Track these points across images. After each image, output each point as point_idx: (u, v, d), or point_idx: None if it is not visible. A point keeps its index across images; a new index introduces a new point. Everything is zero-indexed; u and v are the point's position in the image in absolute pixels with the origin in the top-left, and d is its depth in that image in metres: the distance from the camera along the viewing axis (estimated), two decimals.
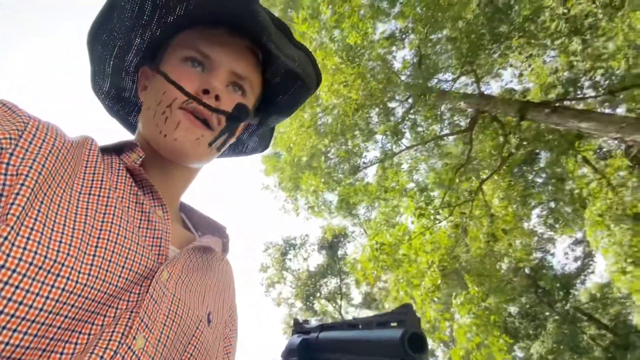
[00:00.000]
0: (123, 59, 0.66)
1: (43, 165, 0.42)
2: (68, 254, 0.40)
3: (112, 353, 0.39)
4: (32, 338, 0.36)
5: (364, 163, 6.64)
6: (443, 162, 6.84)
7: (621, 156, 5.41)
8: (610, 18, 6.20)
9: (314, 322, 0.56)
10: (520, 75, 7.91)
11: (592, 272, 10.86)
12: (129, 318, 0.43)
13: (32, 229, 0.38)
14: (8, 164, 0.40)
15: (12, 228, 0.37)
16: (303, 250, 15.99)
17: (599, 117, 4.74)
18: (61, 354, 0.38)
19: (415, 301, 5.45)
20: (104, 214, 0.47)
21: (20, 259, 0.36)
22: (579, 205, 6.48)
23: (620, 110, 6.61)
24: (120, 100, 0.74)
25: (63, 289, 0.38)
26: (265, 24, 0.60)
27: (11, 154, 0.41)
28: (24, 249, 0.37)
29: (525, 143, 6.62)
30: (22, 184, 0.39)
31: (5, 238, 0.36)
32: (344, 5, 6.43)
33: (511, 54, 6.95)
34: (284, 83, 0.70)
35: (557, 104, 5.19)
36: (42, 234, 0.39)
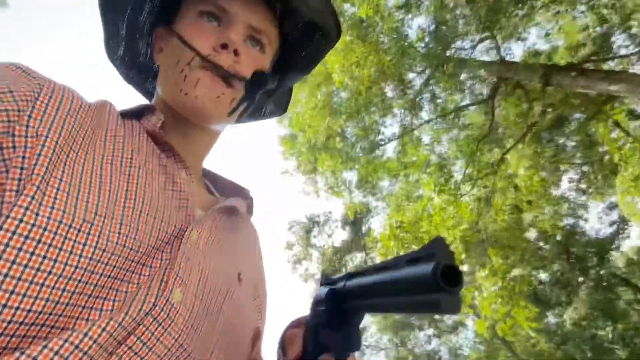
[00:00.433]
0: (136, 20, 0.65)
1: (62, 127, 0.42)
2: (96, 213, 0.40)
3: (150, 305, 0.40)
4: (70, 295, 0.36)
5: (381, 140, 6.53)
6: (464, 133, 6.64)
7: None
8: None
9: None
10: (547, 35, 7.44)
11: (628, 237, 10.45)
12: (164, 274, 0.44)
13: (58, 189, 0.39)
14: (27, 125, 0.40)
15: (38, 187, 0.37)
16: (327, 227, 16.19)
17: (629, 78, 4.43)
18: (101, 310, 0.39)
19: None
20: (129, 175, 0.47)
21: (49, 218, 0.36)
22: (610, 172, 6.17)
23: None
24: (136, 66, 0.72)
25: (96, 247, 0.39)
26: None
27: (29, 116, 0.40)
28: (52, 207, 0.37)
29: (551, 109, 6.30)
30: (43, 145, 0.39)
31: (33, 197, 0.36)
32: None
33: (537, 13, 6.52)
34: (303, 36, 0.68)
35: (584, 66, 4.87)
36: (68, 193, 0.39)
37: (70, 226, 0.37)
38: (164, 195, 0.50)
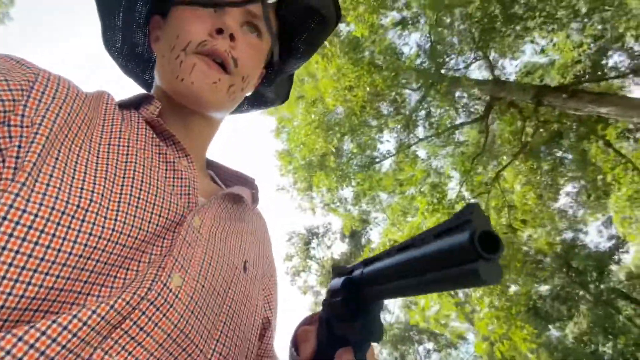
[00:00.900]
0: (132, 9, 0.64)
1: (57, 115, 0.42)
2: (91, 200, 0.40)
3: (145, 290, 0.39)
4: (64, 281, 0.36)
5: (377, 158, 6.57)
6: (459, 151, 6.67)
7: None
8: None
9: None
10: (542, 51, 7.51)
11: (626, 252, 10.41)
12: (162, 260, 0.43)
13: (50, 175, 0.38)
14: (23, 115, 0.40)
15: (29, 174, 0.36)
16: (326, 239, 16.17)
17: (619, 101, 4.46)
18: (97, 296, 0.39)
19: (432, 296, 5.43)
20: (126, 162, 0.46)
21: (41, 204, 0.36)
22: (603, 192, 6.18)
23: None
24: (134, 57, 0.71)
25: (90, 234, 0.38)
26: None
27: (25, 106, 0.40)
28: (44, 194, 0.37)
29: (545, 126, 6.34)
30: (37, 132, 0.39)
31: (23, 184, 0.36)
32: None
33: (530, 32, 6.59)
34: (302, 20, 0.66)
35: (575, 88, 4.92)
36: (62, 180, 0.39)
37: (63, 212, 0.37)
38: (165, 182, 0.49)
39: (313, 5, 0.64)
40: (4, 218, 0.34)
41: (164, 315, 0.40)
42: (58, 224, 0.36)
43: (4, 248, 0.34)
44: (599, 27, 6.26)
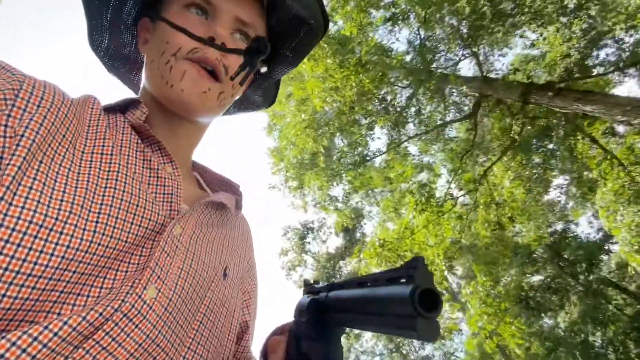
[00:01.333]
0: (120, 10, 0.63)
1: (41, 124, 0.42)
2: (71, 212, 0.40)
3: (119, 302, 0.40)
4: (40, 292, 0.37)
5: (367, 156, 6.59)
6: (449, 147, 6.71)
7: (633, 135, 5.16)
8: None
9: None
10: (532, 45, 7.52)
11: (616, 243, 10.56)
12: (140, 270, 0.43)
13: (30, 187, 0.38)
14: (6, 125, 0.39)
15: (7, 188, 0.37)
16: (322, 233, 16.24)
17: (603, 99, 4.50)
18: (73, 305, 0.39)
19: None
20: (108, 171, 0.46)
21: (18, 218, 0.36)
22: (588, 189, 6.25)
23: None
24: (121, 57, 0.70)
25: (68, 246, 0.38)
26: None
27: (8, 115, 0.40)
28: (22, 207, 0.37)
29: (534, 122, 6.38)
30: (18, 144, 0.39)
31: (1, 198, 0.36)
32: None
33: (519, 27, 6.59)
34: (290, 29, 0.67)
35: (560, 86, 4.95)
36: (41, 192, 0.39)
37: (41, 225, 0.37)
38: (147, 190, 0.49)
39: (301, 15, 0.64)
40: None
41: (136, 326, 0.40)
42: (36, 236, 0.37)
43: None
44: (589, 21, 6.27)
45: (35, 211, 0.37)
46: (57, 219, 0.38)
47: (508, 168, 6.98)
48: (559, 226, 10.60)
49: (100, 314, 0.38)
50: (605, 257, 11.65)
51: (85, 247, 0.39)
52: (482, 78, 5.94)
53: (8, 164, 0.38)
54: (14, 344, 0.33)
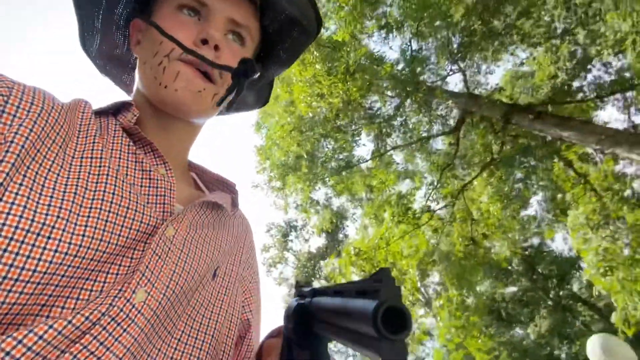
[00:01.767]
0: (112, 12, 0.63)
1: (31, 130, 0.42)
2: (59, 216, 0.40)
3: (107, 306, 0.40)
4: (28, 296, 0.37)
5: (350, 163, 6.65)
6: (430, 160, 6.81)
7: (606, 162, 5.33)
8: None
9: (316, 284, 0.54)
10: (522, 63, 7.67)
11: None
12: (130, 273, 0.43)
13: (16, 194, 0.38)
14: None
15: None
16: (304, 232, 16.28)
17: (580, 126, 4.64)
18: (62, 308, 0.39)
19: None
20: (98, 174, 0.46)
21: (4, 224, 0.36)
22: (560, 211, 6.43)
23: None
24: (113, 58, 0.70)
25: (56, 250, 0.38)
26: None
27: None
28: (8, 213, 0.37)
29: (515, 140, 6.52)
30: (7, 151, 0.39)
31: None
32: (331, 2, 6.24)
33: (508, 47, 6.71)
34: (283, 30, 0.67)
35: (540, 110, 5.08)
36: (28, 198, 0.39)
37: (28, 231, 0.37)
38: (139, 192, 0.49)
39: (294, 16, 0.64)
40: None
41: (124, 330, 0.40)
42: (22, 242, 0.37)
43: None
44: (576, 47, 6.43)
45: (21, 216, 0.38)
46: (44, 223, 0.39)
47: (487, 183, 7.13)
48: (535, 240, 10.87)
49: (87, 318, 0.38)
50: (577, 274, 11.97)
51: (74, 251, 0.39)
52: (467, 94, 6.04)
53: None
54: None
